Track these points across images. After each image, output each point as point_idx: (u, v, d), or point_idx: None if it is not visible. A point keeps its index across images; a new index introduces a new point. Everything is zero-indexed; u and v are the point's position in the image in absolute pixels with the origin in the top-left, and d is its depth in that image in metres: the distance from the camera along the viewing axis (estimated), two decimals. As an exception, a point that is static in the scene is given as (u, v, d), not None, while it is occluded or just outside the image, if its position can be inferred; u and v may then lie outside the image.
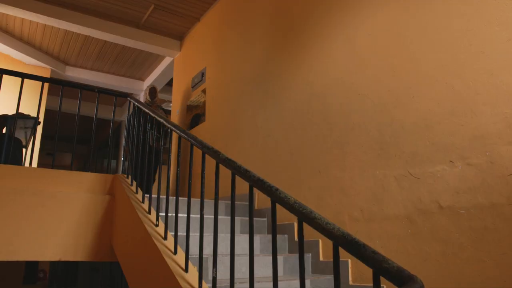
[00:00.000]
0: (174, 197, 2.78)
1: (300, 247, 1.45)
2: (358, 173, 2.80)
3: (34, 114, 3.99)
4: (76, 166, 12.02)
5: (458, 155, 2.21)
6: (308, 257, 2.95)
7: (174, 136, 5.17)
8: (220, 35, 5.19)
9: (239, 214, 3.46)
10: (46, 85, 6.05)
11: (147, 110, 3.13)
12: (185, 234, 2.45)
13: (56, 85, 5.53)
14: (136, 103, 3.51)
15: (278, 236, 3.16)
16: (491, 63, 2.14)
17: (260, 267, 2.63)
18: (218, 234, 2.76)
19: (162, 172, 2.69)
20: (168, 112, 9.23)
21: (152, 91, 5.22)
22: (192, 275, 2.08)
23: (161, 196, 2.69)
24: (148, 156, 3.42)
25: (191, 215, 2.49)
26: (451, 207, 2.19)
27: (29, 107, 4.99)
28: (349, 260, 2.69)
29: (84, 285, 7.32)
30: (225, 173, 2.16)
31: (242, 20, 4.71)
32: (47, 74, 6.80)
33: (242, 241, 2.88)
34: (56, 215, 3.07)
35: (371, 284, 1.17)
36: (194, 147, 2.26)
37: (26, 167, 3.56)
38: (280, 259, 2.76)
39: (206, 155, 2.13)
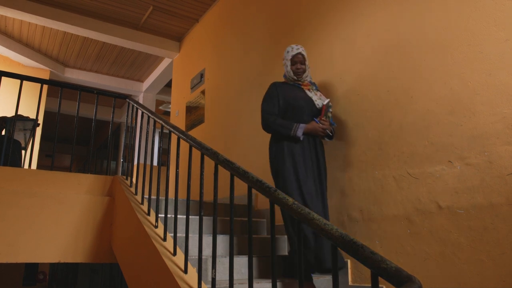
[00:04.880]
0: (173, 198, 2.78)
1: (299, 248, 1.45)
2: (357, 174, 2.80)
3: (33, 116, 3.99)
4: (76, 167, 12.01)
5: (457, 155, 2.21)
6: (307, 257, 2.95)
7: (174, 138, 5.18)
8: (218, 36, 5.19)
9: (238, 215, 3.46)
10: (45, 86, 6.06)
11: (146, 112, 3.13)
12: (184, 235, 2.45)
13: (55, 87, 5.54)
14: (135, 105, 3.51)
15: (277, 237, 3.16)
16: (489, 63, 2.14)
17: (260, 268, 2.63)
18: (218, 235, 2.76)
19: (162, 173, 2.69)
20: (167, 114, 9.24)
21: (298, 58, 2.81)
22: (192, 276, 2.08)
23: (160, 198, 2.69)
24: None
25: (190, 216, 2.50)
26: (450, 207, 2.19)
27: (28, 109, 5.00)
28: (348, 261, 2.70)
29: (84, 286, 7.32)
30: (225, 174, 2.17)
31: (241, 20, 4.72)
32: (46, 76, 6.81)
33: (241, 242, 2.88)
34: (55, 217, 3.07)
35: (370, 285, 1.17)
36: (193, 148, 2.26)
37: (25, 169, 3.56)
38: (279, 259, 2.76)
39: (205, 156, 2.13)
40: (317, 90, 2.93)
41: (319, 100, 2.81)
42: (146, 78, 7.81)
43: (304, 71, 2.84)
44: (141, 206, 2.85)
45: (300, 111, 2.74)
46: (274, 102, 2.78)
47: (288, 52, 2.84)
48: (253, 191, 1.89)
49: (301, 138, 2.64)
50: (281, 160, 2.65)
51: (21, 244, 2.92)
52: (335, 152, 3.02)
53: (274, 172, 2.71)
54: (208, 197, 3.65)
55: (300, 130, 2.63)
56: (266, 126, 2.76)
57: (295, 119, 2.72)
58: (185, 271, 2.09)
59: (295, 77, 2.84)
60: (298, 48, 2.82)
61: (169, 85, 7.37)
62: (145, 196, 2.91)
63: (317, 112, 2.76)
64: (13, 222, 2.93)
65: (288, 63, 2.84)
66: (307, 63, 2.86)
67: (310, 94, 2.82)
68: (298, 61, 2.81)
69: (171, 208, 2.78)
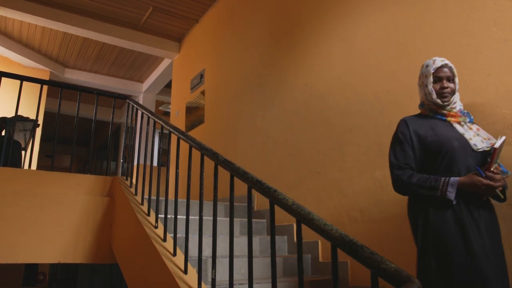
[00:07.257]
0: (173, 199, 2.78)
1: (299, 248, 1.45)
2: (357, 174, 2.80)
3: (33, 116, 3.99)
4: (76, 168, 12.01)
5: (456, 155, 2.21)
6: (307, 258, 2.95)
7: (173, 138, 5.17)
8: (218, 37, 5.19)
9: (238, 215, 3.46)
10: (45, 87, 6.05)
11: (146, 112, 3.13)
12: (184, 235, 2.45)
13: (55, 87, 5.54)
14: (135, 105, 3.51)
15: (277, 237, 3.16)
16: (489, 64, 2.14)
17: (260, 269, 2.63)
18: (218, 236, 2.76)
19: (162, 174, 2.69)
20: (167, 114, 9.24)
21: (444, 73, 1.89)
22: (192, 276, 2.08)
23: (160, 198, 2.69)
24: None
25: (190, 217, 2.50)
26: (450, 207, 2.18)
27: (28, 110, 4.99)
28: (348, 261, 2.69)
29: (84, 286, 7.32)
30: (225, 174, 2.17)
31: (241, 21, 4.72)
32: (46, 77, 6.81)
33: (241, 242, 2.88)
34: (55, 217, 3.07)
35: (370, 285, 1.17)
36: (193, 148, 2.26)
37: (25, 169, 3.56)
38: (279, 260, 2.76)
39: (205, 157, 2.13)
40: (472, 122, 1.91)
41: (476, 137, 1.82)
42: (146, 78, 7.81)
43: (453, 92, 1.89)
44: (141, 206, 2.85)
45: (452, 157, 1.77)
46: (407, 148, 1.86)
47: (427, 66, 1.93)
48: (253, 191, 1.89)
49: (454, 201, 1.70)
50: (426, 236, 1.72)
51: (21, 245, 2.92)
52: (334, 152, 3.02)
53: (420, 262, 1.75)
54: (208, 197, 3.66)
55: (451, 188, 1.69)
56: (398, 187, 1.86)
57: (443, 170, 1.77)
58: (185, 272, 2.09)
59: (438, 101, 1.87)
60: (443, 60, 1.91)
61: (169, 85, 7.37)
62: (145, 197, 2.91)
63: (476, 158, 1.77)
64: (13, 223, 2.93)
65: (429, 81, 1.89)
66: (456, 81, 1.90)
67: (461, 130, 1.84)
68: (444, 76, 1.88)
69: (171, 208, 2.78)
